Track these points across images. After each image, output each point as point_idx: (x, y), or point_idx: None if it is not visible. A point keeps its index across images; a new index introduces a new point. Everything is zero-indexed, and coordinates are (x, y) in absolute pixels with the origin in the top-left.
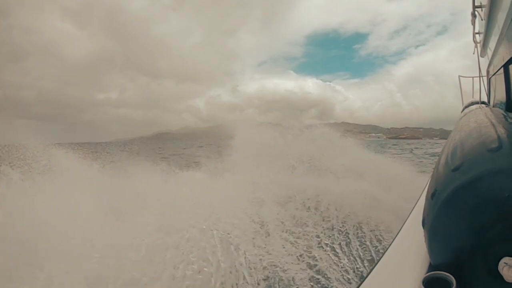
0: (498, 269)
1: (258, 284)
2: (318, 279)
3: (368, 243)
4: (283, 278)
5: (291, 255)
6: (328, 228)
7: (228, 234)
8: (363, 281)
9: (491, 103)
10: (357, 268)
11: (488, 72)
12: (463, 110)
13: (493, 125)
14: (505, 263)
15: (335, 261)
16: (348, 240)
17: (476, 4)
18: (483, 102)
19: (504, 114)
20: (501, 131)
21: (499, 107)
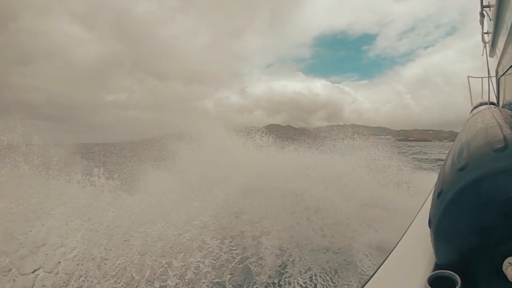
0: (502, 268)
1: None
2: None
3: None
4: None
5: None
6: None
7: None
8: (370, 279)
9: (500, 103)
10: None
11: (497, 72)
12: (471, 110)
13: (500, 126)
14: (509, 262)
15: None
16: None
17: (484, 4)
18: (492, 103)
19: None
20: (507, 131)
21: (508, 108)
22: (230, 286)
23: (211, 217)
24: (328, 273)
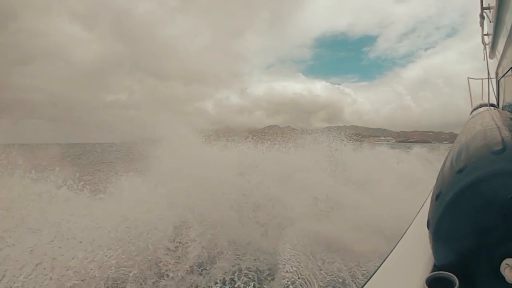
0: (500, 270)
1: None
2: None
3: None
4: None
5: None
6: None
7: None
8: (369, 279)
9: (500, 105)
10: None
11: (497, 74)
12: (471, 112)
13: (498, 128)
14: (507, 264)
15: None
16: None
17: (484, 5)
18: (492, 105)
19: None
20: (506, 133)
21: (508, 109)
22: (133, 285)
23: (145, 211)
24: (257, 271)
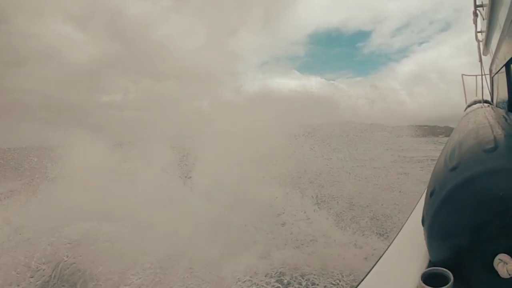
0: (494, 265)
1: None
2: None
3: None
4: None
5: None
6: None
7: None
8: (366, 275)
9: (494, 102)
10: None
11: (491, 70)
12: (465, 109)
13: (491, 126)
14: (500, 259)
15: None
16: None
17: (477, 3)
18: (486, 101)
19: (504, 115)
20: (498, 131)
21: (501, 106)
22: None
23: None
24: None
